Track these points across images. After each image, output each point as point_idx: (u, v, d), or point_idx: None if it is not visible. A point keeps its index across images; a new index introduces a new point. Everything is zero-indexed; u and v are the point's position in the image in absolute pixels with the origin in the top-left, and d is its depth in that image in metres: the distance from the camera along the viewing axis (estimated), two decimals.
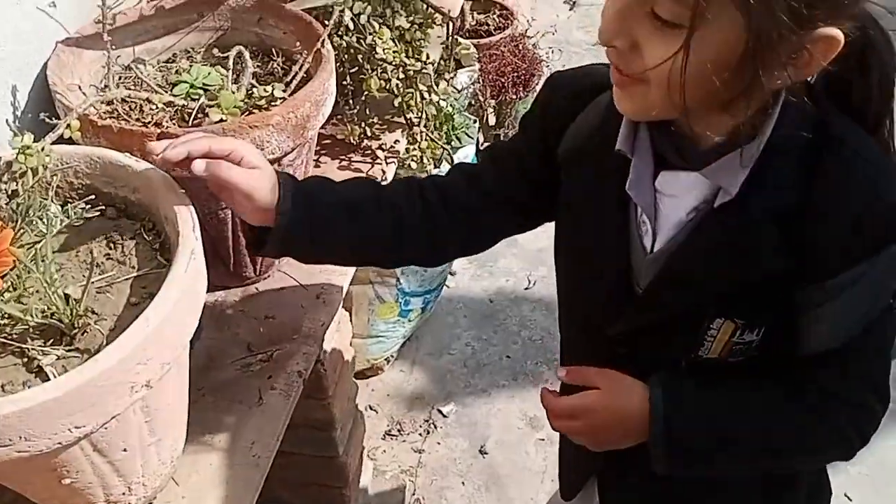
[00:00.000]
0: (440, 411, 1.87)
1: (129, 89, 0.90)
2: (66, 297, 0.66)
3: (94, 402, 0.59)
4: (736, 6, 0.52)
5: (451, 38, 1.39)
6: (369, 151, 1.33)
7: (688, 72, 0.55)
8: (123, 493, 0.77)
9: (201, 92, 0.97)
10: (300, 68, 0.92)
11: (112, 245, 0.74)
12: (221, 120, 0.84)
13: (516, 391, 1.90)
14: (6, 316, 0.64)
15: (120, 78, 0.98)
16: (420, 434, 1.82)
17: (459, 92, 2.18)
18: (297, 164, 0.96)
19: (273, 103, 0.86)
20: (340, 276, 1.13)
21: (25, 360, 0.64)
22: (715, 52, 0.55)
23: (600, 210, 0.74)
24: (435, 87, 1.26)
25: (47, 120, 0.79)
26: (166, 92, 0.96)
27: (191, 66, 1.02)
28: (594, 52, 3.19)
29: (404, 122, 1.33)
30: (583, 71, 0.82)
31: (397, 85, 1.27)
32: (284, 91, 0.87)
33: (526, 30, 2.46)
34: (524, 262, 2.25)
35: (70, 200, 0.78)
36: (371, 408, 1.88)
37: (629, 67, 0.60)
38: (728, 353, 0.70)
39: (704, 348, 0.70)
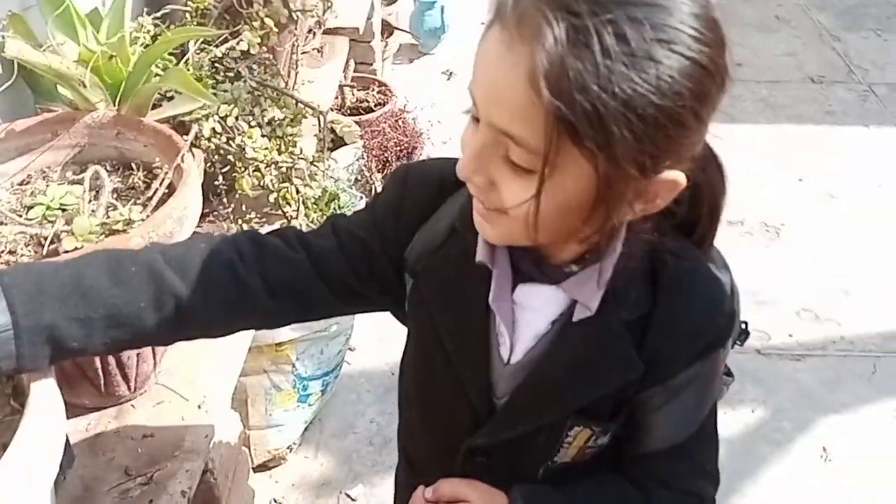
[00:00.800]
0: (348, 495, 1.83)
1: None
2: None
3: None
4: (585, 157, 0.54)
5: (323, 130, 1.42)
6: None
7: (543, 213, 0.57)
8: None
9: (59, 213, 0.95)
10: (161, 183, 0.92)
11: None
12: (77, 248, 0.82)
13: None
14: None
15: None
16: None
17: (345, 169, 2.21)
18: None
19: (131, 225, 0.85)
20: (226, 378, 1.11)
21: None
22: (567, 196, 0.57)
23: (462, 318, 0.73)
24: (310, 180, 1.28)
25: None
26: (21, 216, 0.94)
27: (47, 186, 1.00)
28: None
29: (282, 214, 1.34)
30: (436, 166, 0.79)
31: (272, 181, 1.28)
32: (143, 210, 0.86)
33: (405, 105, 2.54)
34: None
35: None
36: (276, 501, 1.82)
37: (489, 201, 0.61)
38: (581, 456, 0.74)
39: (560, 454, 0.74)
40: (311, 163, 1.32)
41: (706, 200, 0.68)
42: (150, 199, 0.92)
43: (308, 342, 1.75)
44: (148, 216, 0.86)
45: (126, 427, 1.01)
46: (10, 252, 0.88)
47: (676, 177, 0.58)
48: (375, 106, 2.66)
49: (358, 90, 2.70)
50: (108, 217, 0.87)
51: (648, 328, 0.67)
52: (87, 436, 0.99)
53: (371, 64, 2.85)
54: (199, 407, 1.06)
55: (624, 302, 0.67)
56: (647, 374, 0.68)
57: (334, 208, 1.87)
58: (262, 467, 1.85)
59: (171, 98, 1.21)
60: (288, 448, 1.90)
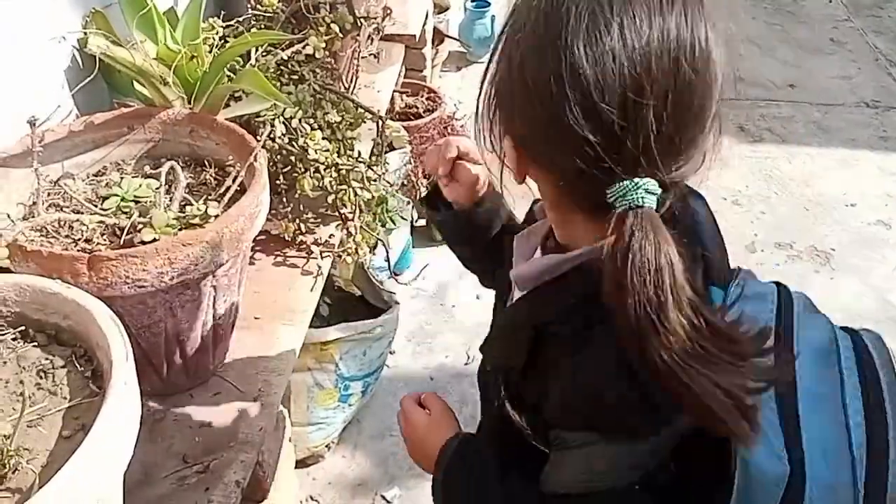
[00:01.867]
0: (384, 497, 1.84)
1: (59, 210, 0.91)
2: None
3: None
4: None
5: (381, 135, 1.44)
6: (304, 246, 1.35)
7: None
8: None
9: (132, 205, 0.98)
10: (234, 181, 0.95)
11: (43, 374, 0.73)
12: (154, 239, 0.85)
13: None
14: None
15: (48, 194, 0.98)
16: None
17: (392, 173, 2.24)
18: (232, 274, 0.97)
19: (206, 220, 0.88)
20: (279, 376, 1.13)
21: None
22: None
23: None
24: (367, 183, 1.30)
25: None
26: (97, 206, 0.97)
27: (121, 178, 1.03)
28: None
29: (339, 216, 1.36)
30: None
31: (330, 182, 1.30)
32: (218, 206, 0.89)
33: (454, 112, 2.56)
34: (463, 337, 2.28)
35: None
36: (313, 498, 1.84)
37: None
38: None
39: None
40: (369, 166, 1.34)
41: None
42: (222, 195, 0.95)
43: (352, 343, 1.77)
44: (222, 212, 0.89)
45: (185, 416, 1.04)
46: (87, 241, 0.91)
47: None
48: (424, 112, 2.68)
49: (407, 96, 2.73)
50: (184, 211, 0.90)
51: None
52: (146, 423, 1.02)
53: (421, 70, 2.88)
54: (255, 400, 1.08)
55: (545, 311, 0.72)
56: (530, 386, 0.72)
57: (382, 211, 1.89)
58: (301, 464, 1.87)
59: (238, 99, 1.24)
60: (326, 446, 1.92)
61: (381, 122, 1.41)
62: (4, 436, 0.66)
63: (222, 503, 0.96)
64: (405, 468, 1.91)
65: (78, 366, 0.74)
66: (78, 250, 0.89)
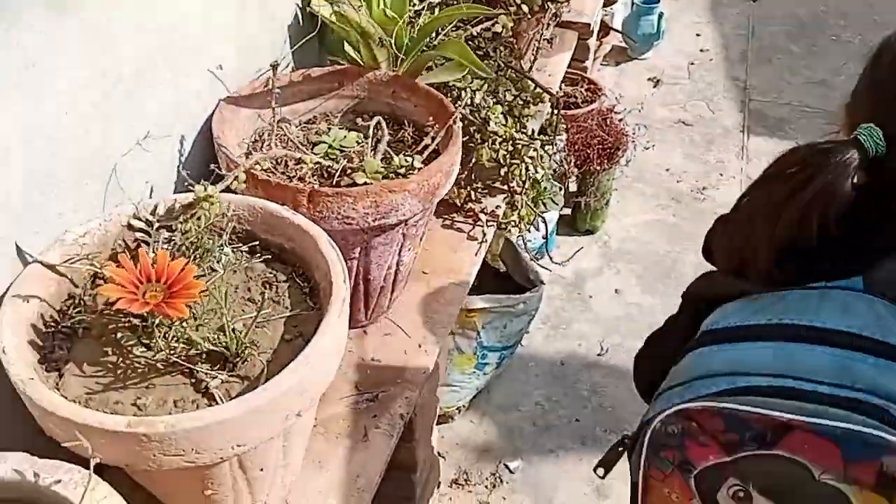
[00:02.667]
0: (507, 466, 1.90)
1: (285, 149, 1.02)
2: (233, 328, 0.76)
3: (256, 425, 0.68)
4: None
5: (556, 114, 1.48)
6: (471, 213, 1.43)
7: None
8: None
9: (338, 152, 1.09)
10: (433, 140, 1.02)
11: (268, 285, 0.84)
12: (365, 183, 0.94)
13: (584, 455, 1.93)
14: (180, 340, 0.74)
15: (269, 134, 1.10)
16: (486, 486, 1.86)
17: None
18: (420, 224, 1.06)
19: (410, 172, 0.96)
20: (441, 328, 1.21)
21: (193, 380, 0.74)
22: None
23: None
24: (540, 160, 1.35)
25: (217, 170, 0.91)
26: (308, 150, 1.08)
27: (329, 128, 1.14)
28: (676, 129, 3.26)
29: (507, 189, 1.42)
30: None
31: (504, 156, 1.36)
32: (422, 161, 0.97)
33: (614, 105, 2.55)
34: (598, 329, 2.29)
35: (231, 243, 0.89)
36: (439, 454, 1.93)
37: None
38: None
39: None
40: (543, 145, 1.39)
41: None
42: (419, 152, 1.03)
43: (496, 314, 1.84)
44: (424, 165, 0.97)
45: (359, 349, 1.14)
46: (300, 178, 1.02)
47: None
48: (582, 102, 2.70)
49: (567, 85, 2.75)
50: (387, 163, 0.99)
51: None
52: None
53: (583, 61, 2.88)
54: (419, 346, 1.17)
55: None
56: None
57: (538, 192, 1.94)
58: None
59: (429, 69, 1.33)
60: (457, 409, 2.01)
61: (557, 104, 1.45)
62: (239, 330, 0.77)
63: (387, 431, 1.05)
64: (529, 443, 1.96)
65: (298, 282, 0.84)
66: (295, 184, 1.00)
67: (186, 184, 0.89)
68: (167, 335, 0.72)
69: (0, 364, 0.68)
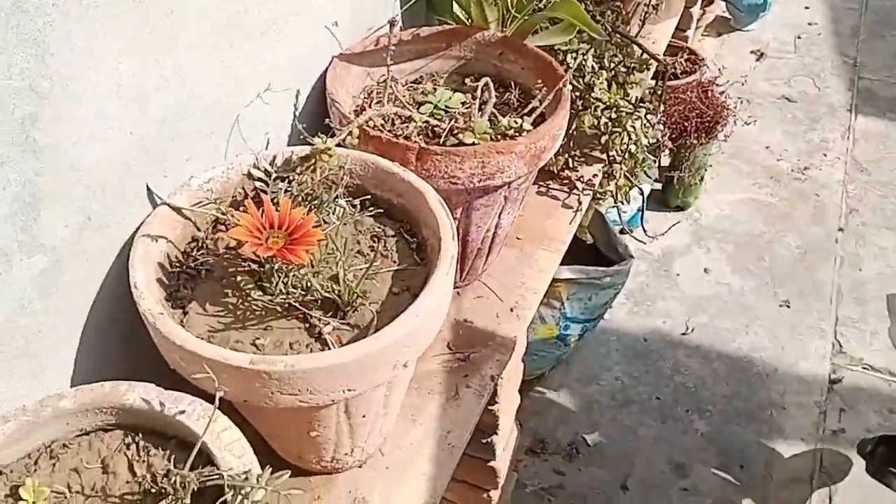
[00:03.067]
0: (584, 438, 1.91)
1: (396, 107, 1.03)
2: (344, 279, 0.78)
3: (366, 372, 0.70)
4: None
5: (662, 83, 1.44)
6: (567, 181, 1.41)
7: None
8: (346, 453, 0.89)
9: (443, 113, 1.09)
10: (541, 103, 1.01)
11: (376, 239, 0.86)
12: (473, 143, 0.94)
13: (664, 434, 1.91)
14: (297, 286, 0.76)
15: (376, 92, 1.12)
16: (562, 457, 1.87)
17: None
18: (522, 188, 1.05)
19: (518, 133, 0.95)
20: (533, 294, 1.21)
21: (307, 325, 0.76)
22: None
23: None
24: (644, 129, 1.32)
25: (331, 125, 0.93)
26: (413, 110, 1.09)
27: (434, 89, 1.14)
28: (779, 106, 3.12)
29: (605, 158, 1.40)
30: None
31: (606, 123, 1.34)
32: (531, 123, 0.96)
33: (716, 77, 2.46)
34: (684, 307, 2.25)
35: (342, 196, 0.91)
36: (517, 421, 1.94)
37: None
38: None
39: None
40: (647, 113, 1.35)
41: None
42: (528, 113, 1.02)
43: (581, 286, 1.82)
44: (532, 128, 0.96)
45: (453, 309, 1.15)
46: (406, 137, 1.03)
47: None
48: (681, 73, 2.61)
49: (666, 54, 2.66)
50: (494, 124, 0.99)
51: None
52: None
53: (685, 30, 2.78)
54: (511, 311, 1.17)
55: None
56: None
57: (637, 163, 1.89)
58: None
59: (534, 32, 1.31)
60: (537, 378, 2.02)
61: (664, 72, 1.41)
62: (350, 280, 0.79)
63: (478, 391, 1.06)
64: (608, 418, 1.96)
65: (406, 238, 0.86)
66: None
67: (301, 137, 0.91)
68: (285, 280, 0.74)
69: (125, 300, 0.73)
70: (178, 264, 0.81)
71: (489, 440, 1.42)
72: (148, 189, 0.80)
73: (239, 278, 0.79)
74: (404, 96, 1.14)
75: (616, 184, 1.40)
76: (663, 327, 2.19)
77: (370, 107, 1.07)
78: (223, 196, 0.87)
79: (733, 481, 1.80)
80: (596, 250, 2.01)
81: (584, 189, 1.40)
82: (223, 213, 0.82)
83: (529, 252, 1.28)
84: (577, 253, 2.03)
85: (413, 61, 1.17)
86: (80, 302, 0.77)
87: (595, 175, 1.43)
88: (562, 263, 1.83)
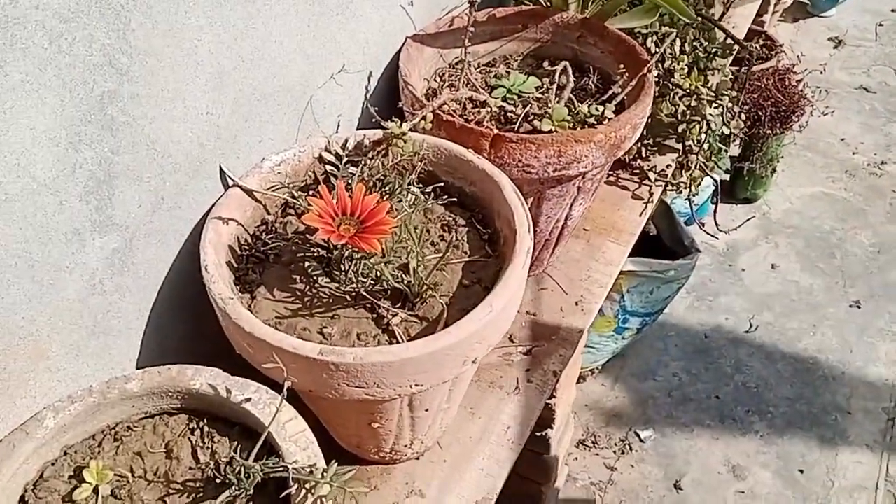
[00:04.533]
0: (637, 434, 1.86)
1: (472, 90, 0.99)
2: (415, 269, 0.75)
3: (435, 367, 0.68)
4: None
5: (746, 69, 1.37)
6: (638, 170, 1.36)
7: None
8: (405, 445, 0.87)
9: (516, 97, 1.05)
10: (623, 90, 0.97)
11: (447, 228, 0.83)
12: (551, 130, 0.90)
13: (721, 434, 1.85)
14: (368, 275, 0.74)
15: (448, 75, 1.08)
16: (614, 451, 1.83)
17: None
18: (597, 178, 1.01)
19: (599, 122, 0.91)
20: (599, 287, 1.17)
21: (375, 316, 0.74)
22: None
23: None
24: (725, 119, 1.26)
25: (405, 109, 0.90)
26: (487, 93, 1.05)
27: (508, 72, 1.10)
28: (856, 96, 2.97)
29: (681, 147, 1.34)
30: None
31: (685, 111, 1.28)
32: (613, 110, 0.92)
33: (794, 65, 2.35)
34: (748, 304, 2.17)
35: (414, 183, 0.88)
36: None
37: None
38: None
39: None
40: (731, 101, 1.29)
41: None
42: (608, 100, 0.98)
43: (643, 279, 1.77)
44: (613, 116, 0.91)
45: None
46: (477, 123, 1.00)
47: None
48: (757, 59, 2.50)
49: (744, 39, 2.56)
50: (573, 111, 0.94)
51: None
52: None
53: (761, 15, 2.66)
54: (576, 304, 1.14)
55: None
56: None
57: (713, 153, 1.82)
58: None
59: (615, 14, 1.25)
60: (590, 371, 1.98)
61: (750, 58, 1.34)
62: (422, 270, 0.76)
63: (539, 386, 1.03)
64: (663, 415, 1.91)
65: (477, 228, 0.83)
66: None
67: (373, 120, 0.89)
68: (354, 269, 0.72)
69: (194, 283, 0.72)
70: (247, 247, 0.80)
71: (544, 433, 1.40)
72: (221, 170, 0.79)
73: (307, 264, 0.77)
74: (477, 79, 1.10)
75: (690, 175, 1.34)
76: (725, 324, 2.12)
77: (442, 90, 1.04)
78: (294, 179, 0.85)
79: (792, 487, 1.74)
80: (660, 241, 1.94)
81: (656, 180, 1.34)
82: (294, 197, 0.80)
83: (597, 244, 1.23)
84: (640, 243, 1.97)
85: (487, 43, 1.13)
86: (149, 283, 0.76)
87: (668, 165, 1.37)
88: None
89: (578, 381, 1.99)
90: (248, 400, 0.67)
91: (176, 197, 0.74)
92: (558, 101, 0.99)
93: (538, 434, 1.39)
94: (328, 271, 0.75)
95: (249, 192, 0.80)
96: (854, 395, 1.92)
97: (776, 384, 1.96)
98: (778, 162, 2.44)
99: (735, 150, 2.46)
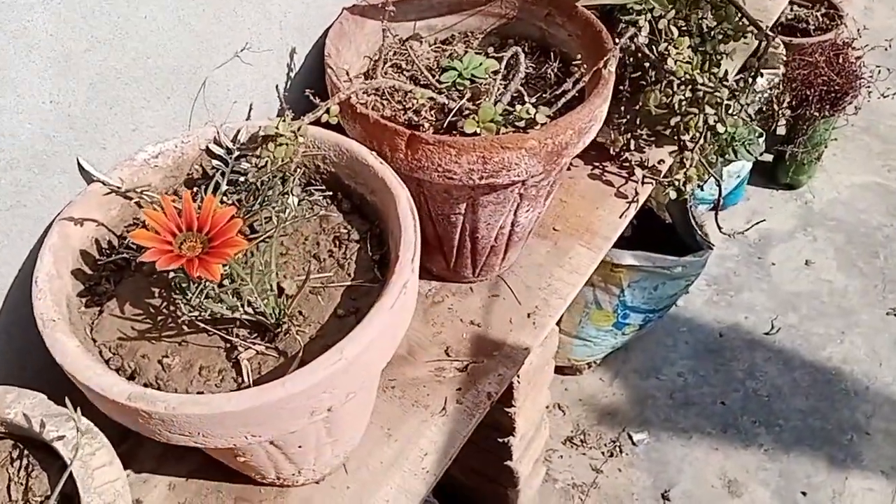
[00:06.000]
0: (630, 436, 1.75)
1: (399, 72, 0.88)
2: (281, 289, 0.66)
3: (271, 419, 0.59)
4: None
5: (760, 55, 1.19)
6: (627, 165, 1.21)
7: None
8: (293, 474, 0.79)
9: (467, 83, 0.92)
10: (573, 86, 0.83)
11: (338, 243, 0.73)
12: (475, 133, 0.78)
13: (721, 445, 1.72)
14: (217, 300, 0.65)
15: (394, 53, 0.96)
16: (602, 452, 1.72)
17: (753, 96, 1.93)
18: (542, 185, 0.88)
19: (532, 126, 0.78)
20: (559, 299, 1.05)
21: (228, 345, 0.65)
22: None
23: None
24: (724, 115, 1.09)
25: (311, 98, 0.79)
26: (434, 75, 0.93)
27: (465, 51, 0.97)
28: None
29: (676, 141, 1.18)
30: None
31: (680, 102, 1.12)
32: (548, 111, 0.78)
33: (853, 39, 2.09)
34: (772, 302, 1.99)
35: (312, 183, 0.78)
36: (559, 407, 1.81)
37: None
38: None
39: None
40: (733, 93, 1.12)
41: None
42: (557, 97, 0.84)
43: (646, 274, 1.62)
44: (551, 118, 0.78)
45: (460, 308, 1.01)
46: (416, 111, 0.88)
47: None
48: (814, 31, 2.25)
49: (801, 6, 2.30)
50: (514, 107, 0.81)
51: None
52: (424, 302, 1.02)
53: None
54: (528, 316, 1.02)
55: None
56: None
57: (721, 144, 1.64)
58: (557, 370, 1.83)
59: None
60: (587, 364, 1.86)
61: (765, 41, 1.16)
62: (288, 295, 0.67)
63: (468, 410, 0.93)
64: (661, 417, 1.78)
65: (370, 246, 0.72)
66: (404, 120, 0.86)
67: (288, 108, 0.78)
68: (200, 292, 0.63)
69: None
70: (108, 251, 0.71)
71: (506, 440, 1.30)
72: (79, 164, 0.70)
73: (172, 275, 0.69)
74: (427, 59, 0.97)
75: (686, 173, 1.19)
76: (744, 323, 1.96)
77: (379, 71, 0.92)
78: (176, 173, 0.76)
79: None
80: (673, 231, 1.78)
81: (645, 177, 1.19)
82: (149, 200, 0.70)
83: (565, 247, 1.10)
84: (652, 232, 1.81)
85: (445, 17, 1.00)
86: None
87: (661, 161, 1.22)
88: (629, 244, 1.64)
89: (574, 374, 1.87)
90: (61, 438, 0.60)
91: (16, 195, 0.66)
92: (504, 91, 0.85)
93: (500, 441, 1.30)
94: (178, 291, 0.66)
95: (116, 189, 0.71)
96: (876, 415, 1.75)
97: (790, 394, 1.80)
98: (826, 147, 2.20)
99: (781, 129, 2.25)
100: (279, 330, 0.65)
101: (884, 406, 1.77)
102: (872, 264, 2.07)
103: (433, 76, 0.92)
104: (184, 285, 0.63)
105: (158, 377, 0.62)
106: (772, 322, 1.94)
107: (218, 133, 0.76)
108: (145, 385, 0.62)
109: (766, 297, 2.00)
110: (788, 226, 2.19)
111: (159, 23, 0.70)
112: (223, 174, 0.74)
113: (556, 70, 0.92)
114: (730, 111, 1.14)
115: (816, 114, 2.06)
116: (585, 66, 0.86)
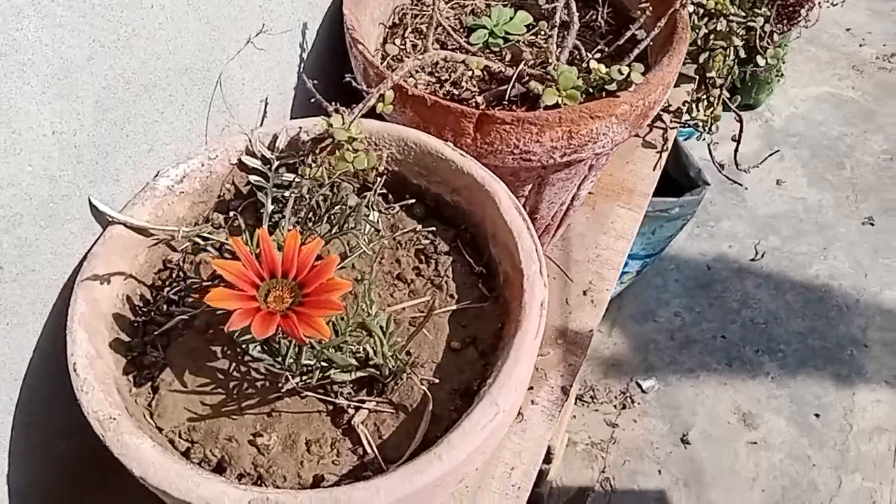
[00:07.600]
0: (639, 384, 1.71)
1: (420, 38, 0.74)
2: (382, 329, 0.53)
3: (423, 501, 0.48)
4: None
5: None
6: None
7: None
8: None
9: (501, 42, 0.80)
10: (648, 34, 0.72)
11: (423, 257, 0.60)
12: (556, 105, 0.66)
13: (730, 379, 1.71)
14: (316, 359, 0.52)
15: (413, 16, 0.82)
16: (615, 406, 1.68)
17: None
18: (613, 152, 0.78)
19: (627, 87, 0.67)
20: (611, 269, 0.96)
21: (331, 407, 0.53)
22: None
23: None
24: (761, 49, 1.01)
25: (355, 82, 0.65)
26: (462, 38, 0.79)
27: (488, 5, 0.84)
28: None
29: (702, 79, 1.10)
30: None
31: (706, 36, 1.03)
32: (641, 70, 0.67)
33: None
34: (753, 228, 1.98)
35: (368, 187, 0.65)
36: None
37: None
38: None
39: None
40: (768, 22, 1.04)
41: None
42: (622, 49, 0.73)
43: (644, 219, 1.56)
44: (643, 78, 0.67)
45: None
46: (454, 83, 0.75)
47: None
48: None
49: None
50: (577, 64, 0.70)
51: None
52: None
53: None
54: (585, 294, 0.93)
55: None
56: None
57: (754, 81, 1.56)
58: None
59: None
60: None
61: None
62: (381, 328, 0.54)
63: (547, 409, 0.84)
64: (665, 360, 1.75)
65: (464, 254, 0.60)
66: (443, 94, 0.73)
67: (311, 100, 0.64)
68: (294, 353, 0.50)
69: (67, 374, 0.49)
70: (144, 308, 0.57)
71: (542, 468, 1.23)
72: (91, 205, 0.55)
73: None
74: (448, 20, 0.84)
75: (712, 113, 1.11)
76: (729, 252, 1.94)
77: (403, 38, 0.78)
78: (205, 197, 0.61)
79: (808, 433, 1.62)
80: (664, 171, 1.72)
81: (671, 121, 1.11)
82: (201, 236, 0.56)
83: (604, 211, 1.01)
84: None
85: None
86: (3, 378, 0.53)
87: (685, 102, 1.13)
88: None
89: None
90: None
91: (22, 259, 0.50)
92: (560, 52, 0.74)
93: None
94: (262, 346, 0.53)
95: (139, 229, 0.56)
96: (870, 326, 1.78)
97: (786, 318, 1.80)
98: (783, 63, 2.18)
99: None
100: (389, 378, 0.53)
101: (876, 317, 1.80)
102: (840, 175, 2.08)
103: (461, 38, 0.79)
104: (275, 346, 0.50)
105: (257, 463, 0.50)
106: (755, 247, 1.93)
107: (250, 141, 0.61)
108: (240, 477, 0.49)
109: (746, 224, 1.99)
110: (754, 146, 2.17)
111: (168, 12, 0.54)
112: (265, 192, 0.60)
113: (605, 17, 0.80)
114: (772, 40, 1.06)
115: (773, 29, 2.02)
116: (650, 10, 0.75)
